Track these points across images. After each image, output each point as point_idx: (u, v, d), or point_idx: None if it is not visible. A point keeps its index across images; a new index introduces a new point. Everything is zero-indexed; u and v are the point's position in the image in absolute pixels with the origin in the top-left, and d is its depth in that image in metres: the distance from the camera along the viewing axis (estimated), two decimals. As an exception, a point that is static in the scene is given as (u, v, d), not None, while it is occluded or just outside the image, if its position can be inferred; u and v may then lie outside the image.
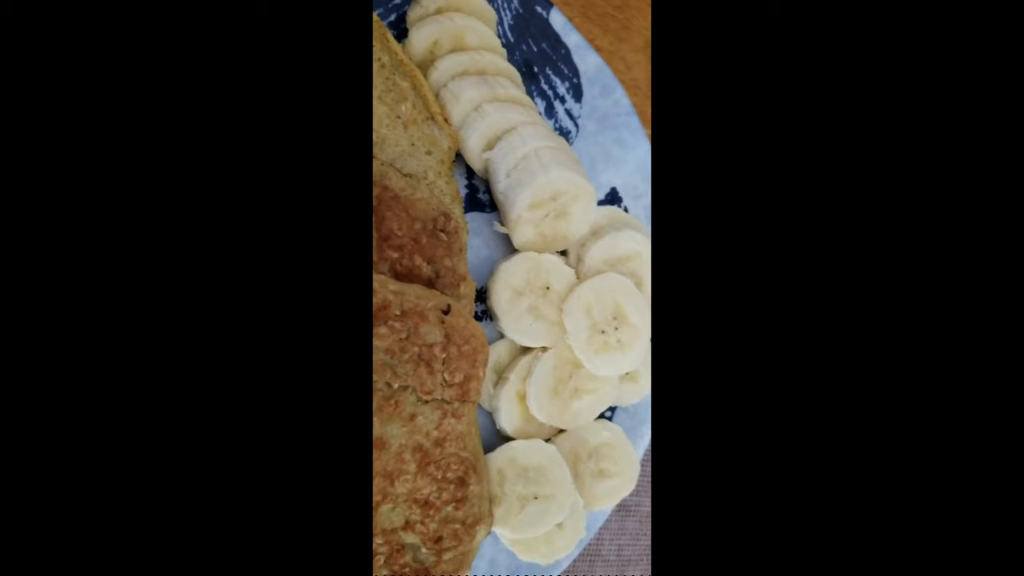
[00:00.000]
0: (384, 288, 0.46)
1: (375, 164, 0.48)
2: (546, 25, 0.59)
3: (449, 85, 0.53)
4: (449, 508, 0.52)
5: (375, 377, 0.47)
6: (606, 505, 0.59)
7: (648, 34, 0.73)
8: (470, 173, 0.59)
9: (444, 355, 0.49)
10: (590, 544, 0.70)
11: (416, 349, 0.48)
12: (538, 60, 0.59)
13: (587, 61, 0.60)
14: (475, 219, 0.58)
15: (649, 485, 0.74)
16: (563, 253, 0.60)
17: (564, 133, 0.60)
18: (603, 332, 0.56)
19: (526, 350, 0.58)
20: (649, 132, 0.72)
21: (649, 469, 0.74)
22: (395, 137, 0.50)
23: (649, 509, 0.74)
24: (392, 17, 0.56)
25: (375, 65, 0.50)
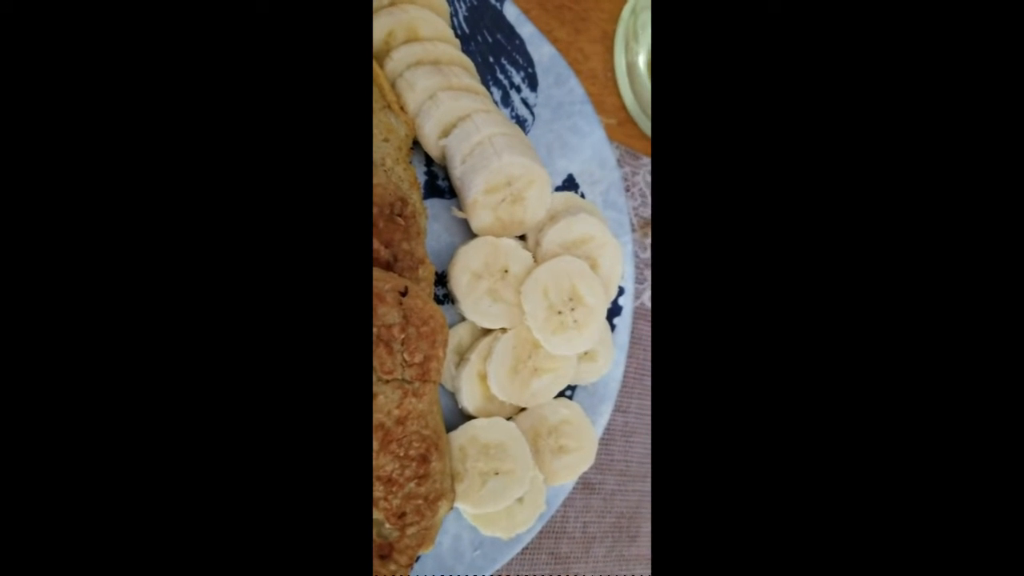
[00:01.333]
0: (342, 270, 0.48)
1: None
2: (500, 17, 0.61)
3: (404, 74, 0.55)
4: (411, 484, 0.53)
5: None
6: (566, 480, 0.61)
7: (605, 25, 0.75)
8: (429, 160, 0.60)
9: (403, 336, 0.51)
10: (556, 522, 0.72)
11: (375, 330, 0.50)
12: (493, 51, 0.61)
13: (541, 51, 0.62)
14: (435, 205, 0.60)
15: (612, 463, 0.76)
16: (522, 238, 0.62)
17: (520, 121, 0.62)
18: (560, 313, 0.58)
19: (486, 332, 0.59)
20: (606, 121, 0.74)
21: (611, 447, 0.76)
22: (351, 125, 0.51)
23: (613, 487, 0.76)
24: (347, 9, 0.57)
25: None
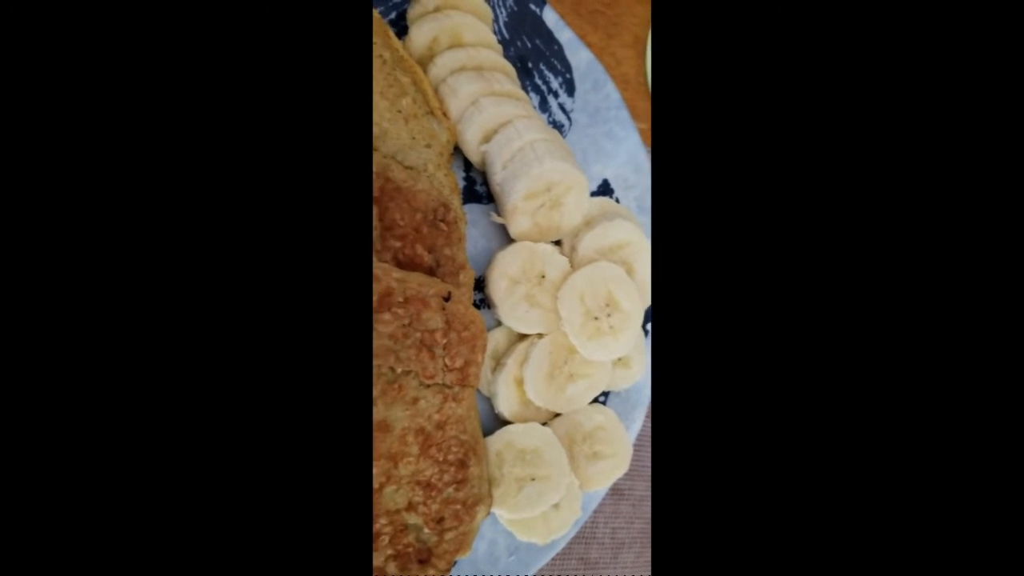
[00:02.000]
0: (388, 276, 0.48)
1: (377, 157, 0.50)
2: (539, 22, 0.61)
3: (448, 80, 0.55)
4: (450, 489, 0.53)
5: (379, 362, 0.49)
6: (601, 486, 0.61)
7: (637, 30, 0.75)
8: (467, 166, 0.60)
9: (445, 340, 0.51)
10: (585, 527, 0.72)
11: (418, 335, 0.50)
12: (532, 56, 0.61)
13: (579, 56, 0.62)
14: (473, 210, 0.60)
15: (641, 469, 0.76)
16: (557, 243, 0.62)
17: (557, 126, 0.62)
18: (596, 318, 0.58)
19: (523, 337, 0.59)
20: (639, 126, 0.74)
21: (641, 453, 0.76)
22: (396, 131, 0.51)
23: (642, 493, 0.76)
24: (393, 15, 0.58)
25: (377, 62, 0.51)
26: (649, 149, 0.74)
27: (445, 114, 0.55)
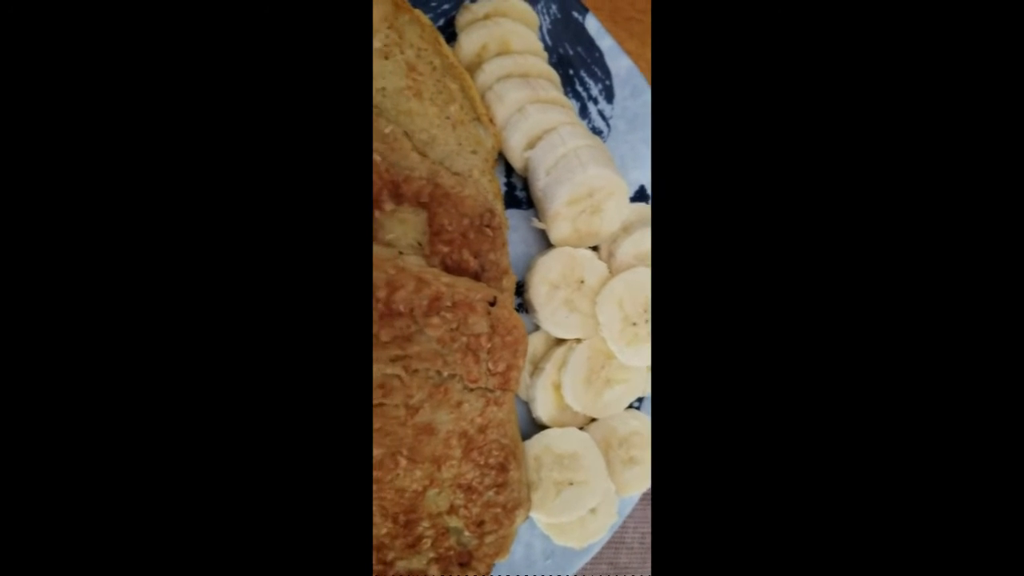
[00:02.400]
0: (437, 281, 0.49)
1: (427, 163, 0.51)
2: (581, 30, 0.62)
3: (494, 87, 0.56)
4: (491, 493, 0.54)
5: (427, 365, 0.49)
6: (636, 491, 0.61)
7: (671, 38, 0.75)
8: (509, 171, 0.61)
9: (489, 345, 0.52)
10: (616, 532, 0.72)
11: (464, 339, 0.50)
12: (574, 63, 0.62)
13: (619, 64, 0.62)
14: (512, 216, 0.60)
15: (671, 474, 0.76)
16: (594, 249, 0.62)
17: (597, 133, 0.63)
18: (634, 324, 0.58)
19: (561, 341, 0.60)
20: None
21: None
22: (444, 137, 0.52)
23: (669, 498, 0.76)
24: (441, 22, 0.58)
25: (427, 68, 0.52)
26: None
27: (491, 120, 0.55)
